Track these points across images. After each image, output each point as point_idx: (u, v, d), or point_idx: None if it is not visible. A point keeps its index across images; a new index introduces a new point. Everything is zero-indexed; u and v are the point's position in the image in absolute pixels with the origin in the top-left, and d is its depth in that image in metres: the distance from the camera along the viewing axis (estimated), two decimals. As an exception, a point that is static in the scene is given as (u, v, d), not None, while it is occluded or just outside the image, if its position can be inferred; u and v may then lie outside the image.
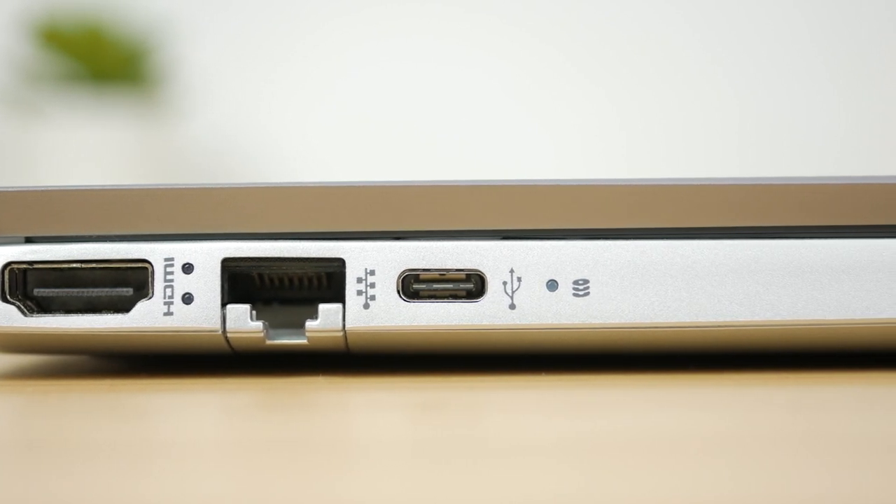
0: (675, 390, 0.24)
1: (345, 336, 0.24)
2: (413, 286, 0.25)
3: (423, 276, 0.25)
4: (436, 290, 0.25)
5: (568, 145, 1.09)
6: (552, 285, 0.24)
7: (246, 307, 0.24)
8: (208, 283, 0.24)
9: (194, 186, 0.25)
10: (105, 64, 1.02)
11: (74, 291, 0.25)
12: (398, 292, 0.24)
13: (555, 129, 1.10)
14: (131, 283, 0.25)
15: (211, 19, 1.10)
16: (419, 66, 1.10)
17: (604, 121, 1.09)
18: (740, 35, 1.09)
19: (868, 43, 1.08)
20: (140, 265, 0.25)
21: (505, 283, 0.24)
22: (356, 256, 0.24)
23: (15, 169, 1.03)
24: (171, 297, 0.24)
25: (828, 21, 1.08)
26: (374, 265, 0.24)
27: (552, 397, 0.24)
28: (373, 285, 0.24)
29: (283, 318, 0.25)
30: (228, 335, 0.24)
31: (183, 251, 0.24)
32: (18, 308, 0.25)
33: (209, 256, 0.24)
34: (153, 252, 0.24)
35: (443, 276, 0.25)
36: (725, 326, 0.24)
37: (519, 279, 0.24)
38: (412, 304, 0.24)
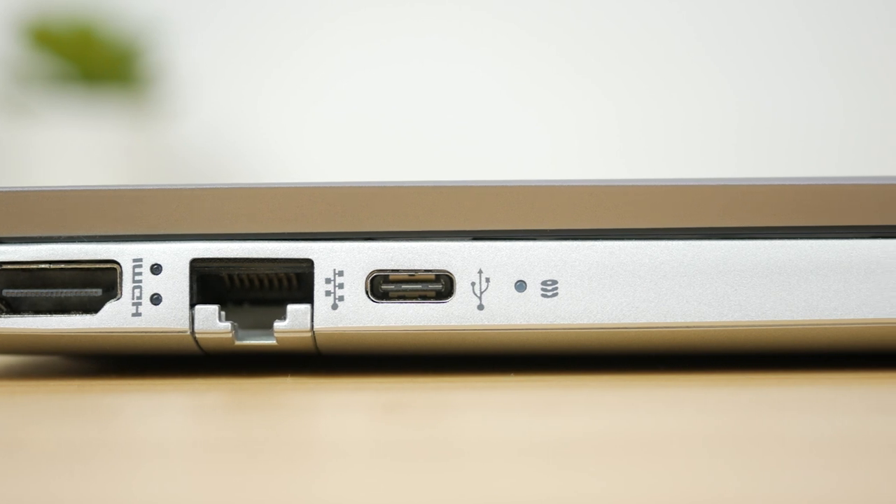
0: (644, 391, 0.24)
1: (313, 337, 0.24)
2: (382, 287, 0.25)
3: (393, 276, 0.25)
4: (405, 290, 0.25)
5: (565, 144, 1.09)
6: (520, 286, 0.24)
7: (214, 308, 0.24)
8: (177, 284, 0.24)
9: (163, 187, 0.25)
10: (96, 64, 1.02)
11: (44, 292, 0.25)
12: (366, 293, 0.24)
13: (551, 127, 1.10)
14: (101, 283, 0.25)
15: (201, 20, 1.10)
16: (414, 66, 1.10)
17: (602, 120, 1.09)
18: (733, 32, 1.09)
19: (855, 41, 1.08)
20: (109, 266, 0.25)
21: (473, 284, 0.24)
22: (325, 257, 0.24)
23: (5, 169, 1.03)
24: (140, 297, 0.24)
25: (814, 19, 1.08)
26: (342, 266, 0.24)
27: (521, 398, 0.24)
28: (341, 286, 0.24)
29: (254, 318, 0.25)
30: (197, 336, 0.24)
31: (151, 252, 0.24)
32: (-13, 309, 0.25)
33: (177, 257, 0.24)
34: (122, 253, 0.24)
35: (412, 277, 0.25)
36: (693, 327, 0.24)
37: (487, 280, 0.24)
38: (380, 304, 0.24)
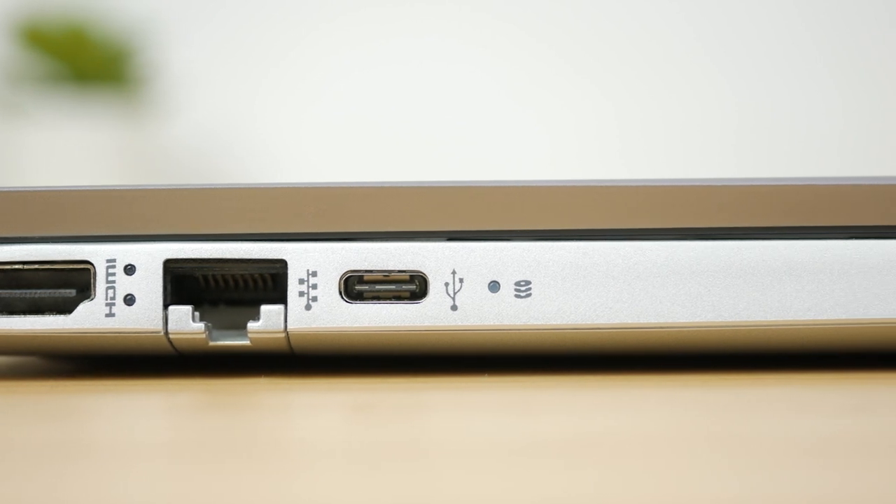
0: (617, 391, 0.24)
1: (287, 337, 0.24)
2: (356, 287, 0.25)
3: (367, 277, 0.25)
4: (379, 291, 0.25)
5: (564, 144, 1.09)
6: (494, 286, 0.24)
7: (188, 308, 0.24)
8: (150, 284, 0.24)
9: (136, 188, 0.25)
10: (88, 64, 1.02)
11: (18, 293, 0.25)
12: (340, 293, 0.24)
13: (550, 127, 1.10)
14: (75, 284, 0.25)
15: (194, 20, 1.10)
16: (412, 66, 1.10)
17: (601, 120, 1.09)
18: (724, 32, 1.09)
19: (850, 42, 1.08)
20: (82, 266, 0.25)
21: (447, 285, 0.24)
22: (298, 258, 0.24)
23: (-3, 169, 1.03)
24: (113, 298, 0.24)
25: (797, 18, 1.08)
26: (316, 266, 0.24)
27: (493, 398, 0.24)
28: (315, 286, 0.24)
29: (230, 319, 0.25)
30: (171, 336, 0.24)
31: (125, 252, 0.24)
32: (-39, 309, 0.25)
33: (151, 257, 0.24)
34: (95, 253, 0.24)
35: (386, 278, 0.25)
36: (667, 328, 0.24)
37: (461, 280, 0.24)
38: (354, 305, 0.24)
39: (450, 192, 0.25)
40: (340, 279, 0.24)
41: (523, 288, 0.24)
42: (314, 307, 0.24)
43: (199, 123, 1.11)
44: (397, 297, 0.25)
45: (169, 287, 0.25)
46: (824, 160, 1.06)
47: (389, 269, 0.24)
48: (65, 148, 1.00)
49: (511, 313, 0.24)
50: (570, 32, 1.10)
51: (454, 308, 0.24)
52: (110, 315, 0.24)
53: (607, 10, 1.10)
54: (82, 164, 0.99)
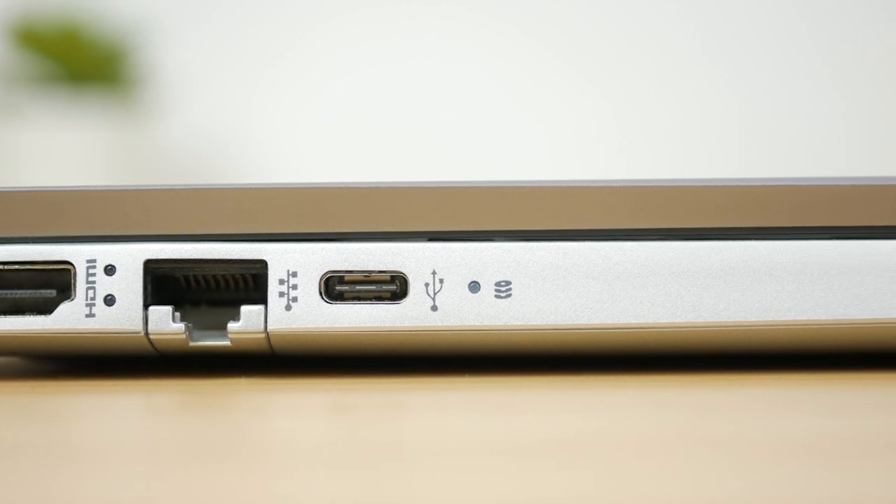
0: (599, 392, 0.24)
1: (267, 337, 0.24)
2: (336, 288, 0.25)
3: (348, 277, 0.25)
4: (360, 291, 0.25)
5: (562, 145, 1.09)
6: (474, 287, 0.24)
7: (168, 309, 0.24)
8: (130, 285, 0.24)
9: (116, 188, 0.25)
10: (82, 65, 1.02)
11: None
12: (320, 294, 0.24)
13: (548, 128, 1.10)
14: (55, 284, 0.25)
15: (187, 21, 1.10)
16: (410, 66, 1.10)
17: (601, 121, 1.09)
18: (713, 33, 1.09)
19: (844, 42, 1.08)
20: (63, 267, 0.25)
21: (427, 285, 0.24)
22: (278, 258, 0.24)
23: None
24: (93, 298, 0.24)
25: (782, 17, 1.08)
26: (296, 267, 0.24)
27: (476, 398, 0.24)
28: (295, 287, 0.24)
29: (211, 319, 0.25)
30: (151, 336, 0.24)
31: (105, 252, 0.24)
32: (-59, 310, 0.25)
33: (131, 258, 0.24)
34: (76, 254, 0.24)
35: (367, 278, 0.25)
36: (647, 328, 0.24)
37: (441, 281, 0.24)
38: (334, 305, 0.24)
39: (430, 192, 0.25)
40: (320, 279, 0.24)
41: (503, 288, 0.24)
42: (294, 307, 0.24)
43: (194, 124, 1.11)
44: (378, 298, 0.25)
45: (149, 287, 0.25)
46: (823, 161, 1.06)
47: (369, 269, 0.24)
48: (59, 148, 1.00)
49: (491, 314, 0.24)
50: (568, 32, 1.10)
51: (434, 308, 0.24)
52: (90, 315, 0.24)
53: (606, 11, 1.10)
54: (77, 164, 0.99)
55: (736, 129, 1.08)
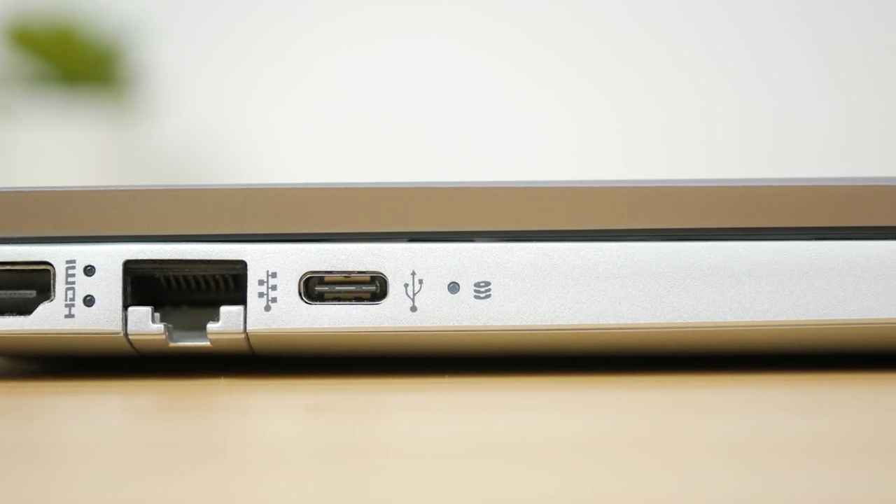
0: (577, 392, 0.24)
1: (247, 338, 0.24)
2: (316, 289, 0.25)
3: (328, 278, 0.25)
4: (339, 292, 0.25)
5: (562, 145, 1.09)
6: (454, 287, 0.24)
7: (147, 309, 0.24)
8: (110, 286, 0.24)
9: (97, 189, 0.25)
10: (76, 65, 1.02)
11: None
12: (300, 294, 0.24)
13: (548, 128, 1.09)
14: (35, 285, 0.25)
15: (181, 21, 1.10)
16: (409, 67, 1.10)
17: (600, 121, 1.09)
18: (699, 34, 1.09)
19: (838, 42, 1.08)
20: (42, 267, 0.25)
21: (406, 286, 0.24)
22: (258, 259, 0.24)
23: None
24: (73, 299, 0.24)
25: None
26: (275, 267, 0.24)
27: (456, 399, 0.24)
28: (274, 287, 0.24)
29: (190, 320, 0.25)
30: (130, 337, 0.24)
31: (85, 253, 0.24)
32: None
33: (111, 258, 0.24)
34: (55, 254, 0.24)
35: (347, 279, 0.25)
36: (626, 329, 0.24)
37: (420, 281, 0.24)
38: (313, 306, 0.24)
39: (409, 193, 0.25)
40: (300, 280, 0.24)
41: (483, 289, 0.24)
42: (274, 308, 0.24)
43: (188, 124, 1.11)
44: (358, 299, 0.25)
45: (129, 288, 0.25)
46: (823, 161, 1.06)
47: (349, 270, 0.24)
48: (53, 149, 1.00)
49: (470, 314, 0.24)
50: (568, 33, 1.10)
51: (413, 309, 0.24)
52: (70, 316, 0.24)
53: (604, 10, 1.10)
54: (71, 165, 0.99)
55: (735, 130, 1.08)
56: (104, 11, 1.05)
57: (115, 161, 1.02)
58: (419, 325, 0.24)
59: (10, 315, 0.24)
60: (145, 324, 0.24)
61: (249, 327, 0.24)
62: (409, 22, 1.10)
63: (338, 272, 0.24)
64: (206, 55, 1.10)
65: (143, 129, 1.06)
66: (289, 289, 0.24)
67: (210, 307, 0.25)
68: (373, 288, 0.25)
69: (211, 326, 0.24)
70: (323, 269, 0.24)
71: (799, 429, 0.20)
